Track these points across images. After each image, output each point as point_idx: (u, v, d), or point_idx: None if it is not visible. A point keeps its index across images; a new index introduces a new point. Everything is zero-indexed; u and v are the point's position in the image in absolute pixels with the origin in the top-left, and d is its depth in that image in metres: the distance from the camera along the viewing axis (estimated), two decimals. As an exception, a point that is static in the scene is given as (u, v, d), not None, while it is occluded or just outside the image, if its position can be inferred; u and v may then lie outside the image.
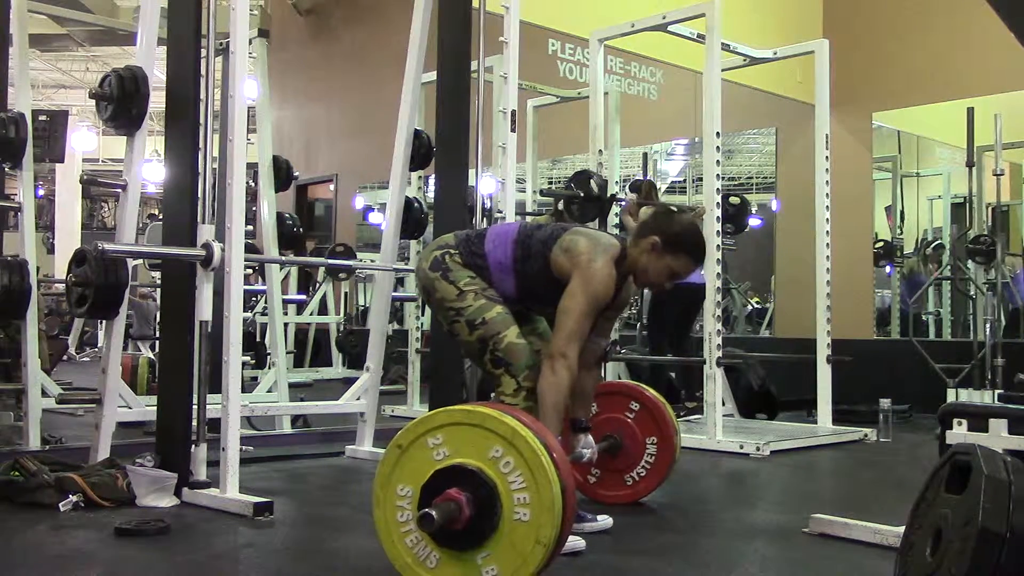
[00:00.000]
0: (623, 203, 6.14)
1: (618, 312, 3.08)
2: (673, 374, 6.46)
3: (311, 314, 9.73)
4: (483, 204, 4.42)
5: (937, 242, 8.49)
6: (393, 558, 2.20)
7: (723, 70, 5.19)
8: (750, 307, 8.92)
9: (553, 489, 2.06)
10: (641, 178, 7.05)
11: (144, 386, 5.95)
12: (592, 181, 5.43)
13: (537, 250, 2.81)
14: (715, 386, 4.91)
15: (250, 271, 7.03)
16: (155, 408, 3.62)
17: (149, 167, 7.52)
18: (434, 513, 2.05)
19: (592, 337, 2.87)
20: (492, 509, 2.08)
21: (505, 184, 4.28)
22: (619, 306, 3.00)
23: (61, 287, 7.93)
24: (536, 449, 2.08)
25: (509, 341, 2.75)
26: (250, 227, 5.86)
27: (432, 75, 4.47)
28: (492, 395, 4.12)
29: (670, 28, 5.39)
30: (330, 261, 7.76)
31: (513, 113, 4.24)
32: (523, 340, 2.78)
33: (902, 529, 1.98)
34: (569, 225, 2.92)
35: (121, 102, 3.62)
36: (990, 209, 7.44)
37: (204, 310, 3.37)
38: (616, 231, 6.17)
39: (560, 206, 5.44)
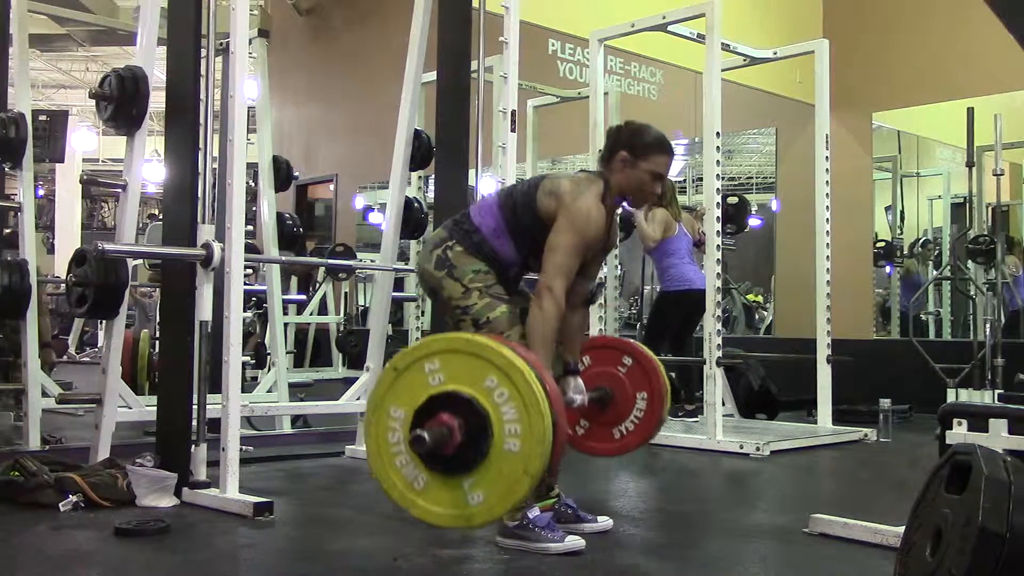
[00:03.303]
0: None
1: (605, 254, 3.05)
2: (673, 374, 6.46)
3: (311, 314, 9.72)
4: (483, 204, 4.42)
5: (925, 239, 8.49)
6: (382, 479, 2.22)
7: (723, 70, 5.18)
8: (764, 316, 8.88)
9: (545, 422, 2.07)
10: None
11: (145, 359, 5.95)
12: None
13: (523, 203, 2.82)
14: (715, 386, 4.91)
15: (250, 271, 7.03)
16: (155, 408, 3.62)
17: (149, 167, 7.51)
18: (426, 435, 2.07)
19: (578, 279, 2.86)
20: (483, 437, 2.10)
21: (505, 184, 4.28)
22: (607, 247, 2.98)
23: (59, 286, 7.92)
24: (531, 381, 2.10)
25: (514, 341, 2.74)
26: (250, 227, 5.87)
27: (432, 75, 4.47)
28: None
29: (670, 28, 5.39)
30: (330, 261, 7.76)
31: (513, 113, 4.25)
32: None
33: (902, 529, 1.98)
34: (546, 174, 2.94)
35: (121, 102, 3.62)
36: (990, 209, 7.44)
37: (204, 310, 3.37)
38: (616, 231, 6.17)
39: None
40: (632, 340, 3.59)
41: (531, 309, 2.71)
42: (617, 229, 2.99)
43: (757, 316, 8.95)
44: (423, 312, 6.48)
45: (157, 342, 4.60)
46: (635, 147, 2.84)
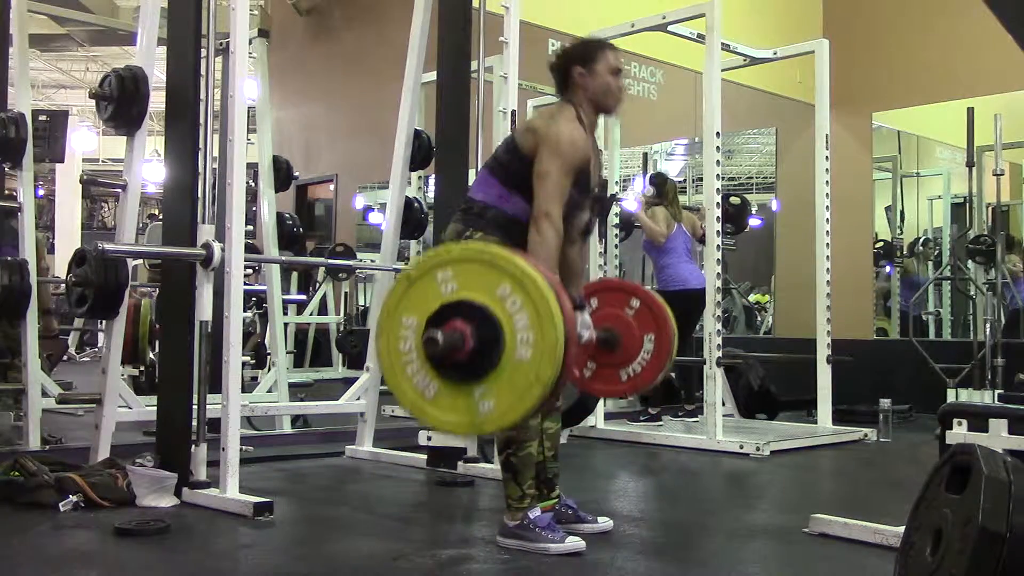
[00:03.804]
0: (622, 202, 6.15)
1: (596, 178, 2.97)
2: (673, 374, 6.46)
3: (311, 314, 9.72)
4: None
5: (925, 238, 8.49)
6: (393, 387, 2.22)
7: (723, 70, 5.19)
8: (764, 319, 8.87)
9: (557, 331, 2.06)
10: (661, 172, 7.04)
11: (147, 329, 5.93)
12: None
13: (507, 156, 2.83)
14: (715, 386, 4.91)
15: (250, 271, 7.03)
16: (155, 408, 3.62)
17: (149, 167, 7.50)
18: (439, 335, 2.06)
19: (574, 211, 2.85)
20: (494, 345, 2.09)
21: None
22: (596, 172, 2.93)
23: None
24: (544, 291, 2.09)
25: None
26: (250, 227, 5.86)
27: (432, 75, 4.47)
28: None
29: (670, 28, 5.39)
30: (330, 261, 7.76)
31: (513, 113, 4.25)
32: None
33: (902, 529, 1.98)
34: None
35: (121, 102, 3.62)
36: (990, 209, 7.44)
37: (204, 310, 3.37)
38: (616, 231, 6.18)
39: None
40: (638, 284, 3.54)
41: (530, 236, 2.68)
42: (599, 153, 2.96)
43: (759, 318, 8.94)
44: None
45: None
46: (583, 57, 2.87)
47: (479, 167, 4.37)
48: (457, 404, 2.12)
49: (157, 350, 5.04)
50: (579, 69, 2.86)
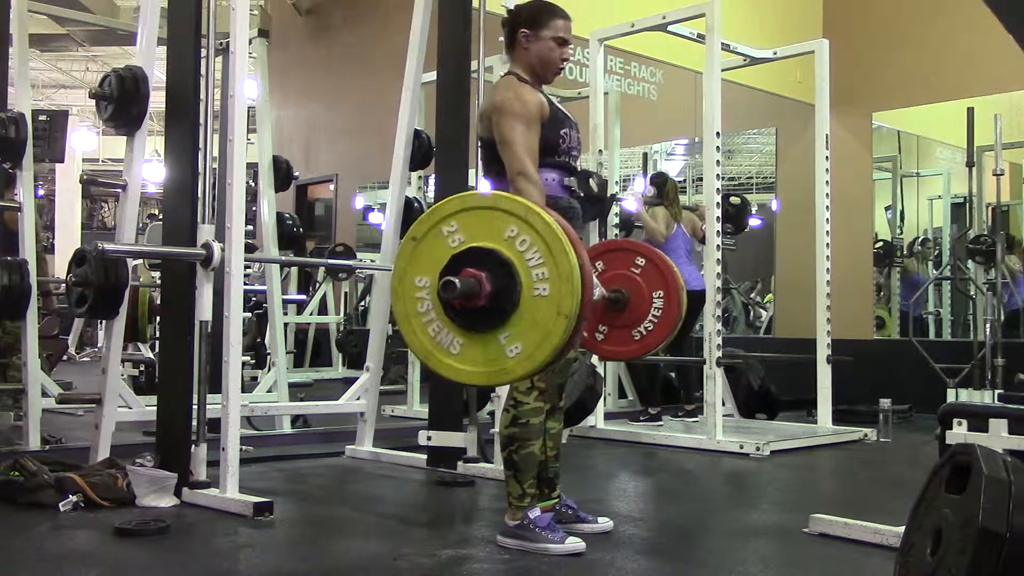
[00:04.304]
0: (622, 202, 6.14)
1: (572, 125, 2.93)
2: (673, 374, 6.46)
3: (311, 314, 9.73)
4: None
5: (925, 238, 8.49)
6: (416, 348, 2.22)
7: (723, 70, 5.19)
8: (760, 315, 8.87)
9: (570, 259, 2.06)
10: (662, 172, 7.04)
11: (146, 317, 5.92)
12: (592, 181, 5.41)
13: (483, 153, 2.84)
14: (715, 386, 4.91)
15: (250, 271, 7.03)
16: (155, 408, 3.62)
17: (149, 167, 7.51)
18: (456, 281, 2.06)
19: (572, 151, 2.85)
20: (511, 285, 2.09)
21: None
22: (571, 127, 2.90)
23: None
24: (551, 223, 2.09)
25: None
26: (250, 227, 5.87)
27: (432, 75, 4.47)
28: (493, 395, 4.14)
29: (670, 28, 5.39)
30: (330, 261, 7.76)
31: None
32: None
33: (902, 529, 1.98)
34: None
35: (121, 102, 3.62)
36: (990, 209, 7.44)
37: (204, 310, 3.37)
38: (616, 231, 6.18)
39: None
40: (642, 242, 3.51)
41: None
42: (560, 109, 2.91)
43: (752, 314, 8.94)
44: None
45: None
46: (533, 20, 2.85)
47: (479, 167, 4.38)
48: (485, 354, 2.11)
49: (157, 337, 5.04)
50: (524, 31, 2.84)
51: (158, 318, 4.75)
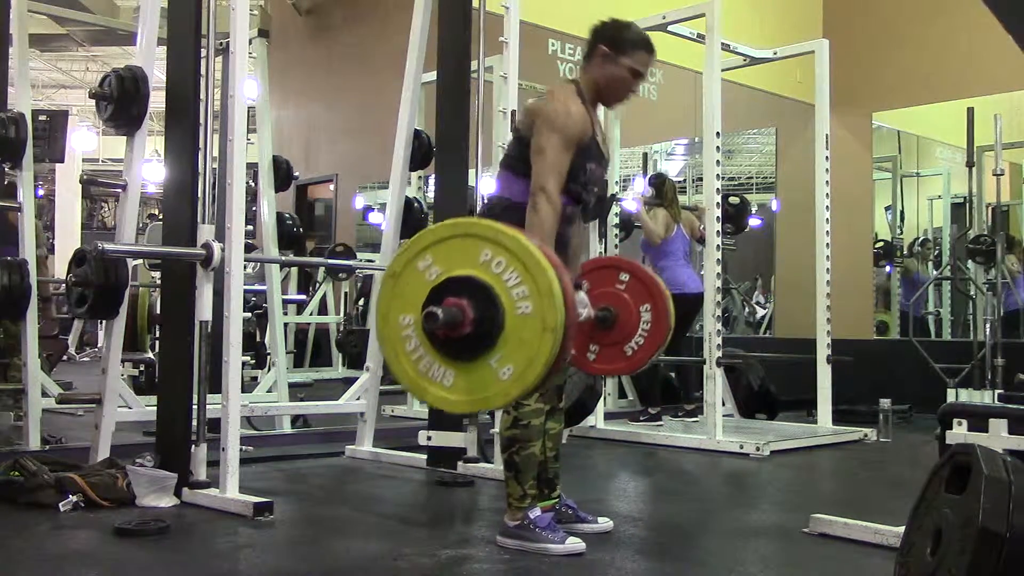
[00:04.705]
0: (621, 201, 6.14)
1: (603, 161, 2.92)
2: (673, 374, 6.46)
3: (311, 314, 9.73)
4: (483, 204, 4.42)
5: (925, 238, 8.50)
6: (410, 385, 2.21)
7: (723, 70, 5.19)
8: (760, 311, 8.89)
9: (548, 274, 2.06)
10: (661, 172, 7.05)
11: (145, 318, 5.91)
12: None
13: (515, 147, 2.80)
14: (715, 386, 4.91)
15: (250, 271, 7.03)
16: (155, 408, 3.62)
17: (149, 167, 7.50)
18: (438, 311, 2.06)
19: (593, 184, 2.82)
20: (494, 308, 2.09)
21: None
22: (602, 154, 2.88)
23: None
24: (523, 243, 2.10)
25: None
26: (250, 227, 5.86)
27: (432, 75, 4.47)
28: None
29: (670, 28, 5.39)
30: (330, 261, 7.76)
31: (513, 113, 4.24)
32: None
33: (902, 529, 1.98)
34: None
35: (121, 102, 3.62)
36: (990, 209, 7.44)
37: (204, 310, 3.37)
38: (616, 231, 6.18)
39: None
40: (625, 258, 3.54)
41: (527, 212, 2.64)
42: (607, 137, 2.91)
43: (748, 309, 8.94)
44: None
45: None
46: (617, 42, 2.81)
47: (479, 167, 4.39)
48: (477, 381, 2.11)
49: (157, 337, 5.04)
50: (605, 49, 2.80)
51: (158, 325, 4.73)
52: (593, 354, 3.35)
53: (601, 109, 2.95)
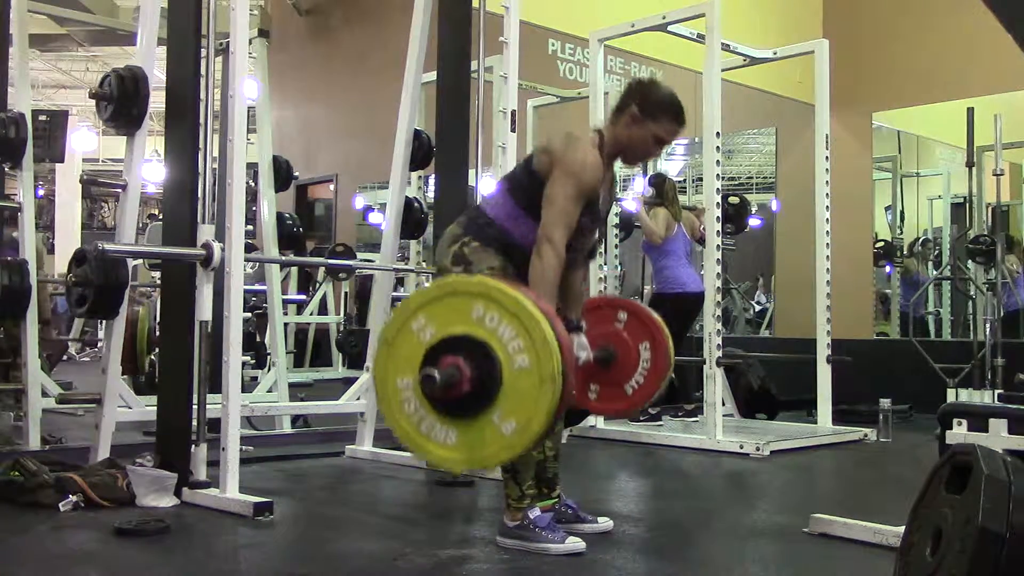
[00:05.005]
0: (621, 201, 6.14)
1: (608, 207, 2.98)
2: (673, 374, 6.45)
3: (311, 314, 9.73)
4: (483, 204, 4.42)
5: (925, 238, 8.50)
6: (414, 447, 2.19)
7: (723, 70, 5.18)
8: (753, 309, 8.91)
9: (542, 326, 2.06)
10: (661, 172, 7.04)
11: (145, 338, 5.93)
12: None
13: (524, 176, 2.78)
14: (715, 386, 4.91)
15: (250, 271, 7.03)
16: (155, 408, 3.62)
17: (149, 167, 7.51)
18: (435, 373, 2.05)
19: (580, 235, 2.80)
20: (491, 364, 2.08)
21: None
22: (608, 201, 2.93)
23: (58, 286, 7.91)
24: (515, 297, 2.10)
25: None
26: (250, 227, 5.87)
27: (432, 75, 4.47)
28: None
29: (670, 28, 5.39)
30: (330, 261, 7.76)
31: (513, 113, 4.24)
32: None
33: (902, 529, 1.98)
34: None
35: (121, 102, 3.61)
36: (990, 209, 7.44)
37: (204, 310, 3.37)
38: (616, 231, 6.18)
39: None
40: (621, 296, 3.57)
41: (532, 260, 2.64)
42: (616, 183, 2.94)
43: (744, 304, 8.95)
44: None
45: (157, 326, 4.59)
46: (648, 105, 2.79)
47: (479, 167, 4.39)
48: (481, 438, 2.10)
49: (156, 354, 5.04)
50: (635, 110, 2.78)
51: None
52: (594, 393, 3.37)
53: None
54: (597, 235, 2.97)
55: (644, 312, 3.31)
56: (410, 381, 2.15)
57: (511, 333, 2.08)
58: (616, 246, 6.23)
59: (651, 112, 2.78)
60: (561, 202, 2.65)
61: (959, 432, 2.69)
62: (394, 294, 4.94)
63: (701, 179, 5.63)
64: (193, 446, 3.36)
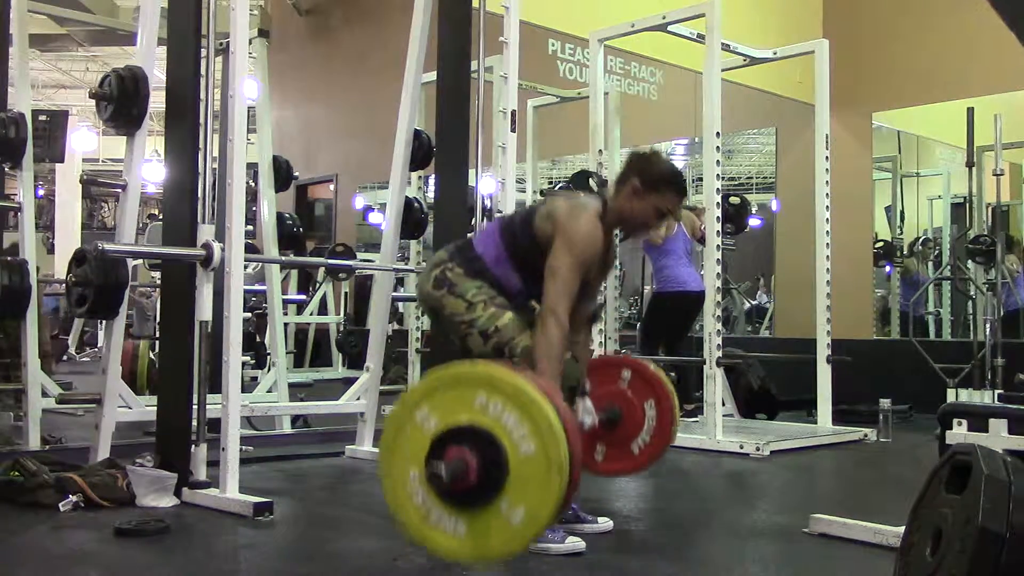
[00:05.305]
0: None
1: (605, 271, 3.03)
2: (673, 374, 6.45)
3: (311, 314, 9.73)
4: (483, 204, 4.42)
5: (924, 238, 8.50)
6: (417, 538, 2.17)
7: (723, 70, 5.18)
8: (743, 302, 8.92)
9: (546, 411, 2.04)
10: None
11: (145, 374, 5.94)
12: (592, 181, 5.43)
13: (522, 230, 2.80)
14: (715, 386, 4.91)
15: (250, 271, 7.03)
16: (155, 408, 3.62)
17: (149, 167, 7.51)
18: (441, 470, 2.04)
19: (581, 299, 2.83)
20: (497, 453, 2.06)
21: (505, 184, 4.28)
22: (606, 264, 2.96)
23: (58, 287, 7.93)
24: (517, 383, 2.08)
25: (524, 345, 2.71)
26: (250, 227, 5.87)
27: (432, 75, 4.47)
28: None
29: (670, 28, 5.39)
30: (330, 261, 7.76)
31: (513, 113, 4.24)
32: None
33: (902, 529, 1.98)
34: (544, 200, 2.92)
35: (121, 102, 3.62)
36: (990, 209, 7.44)
37: (204, 310, 3.37)
38: (616, 231, 6.18)
39: None
40: (626, 353, 3.59)
41: (535, 335, 2.66)
42: (616, 248, 2.96)
43: (741, 301, 8.94)
44: (423, 312, 6.46)
45: (157, 343, 4.60)
46: (649, 178, 2.80)
47: (479, 167, 4.39)
48: (490, 527, 2.08)
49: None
50: (636, 183, 2.80)
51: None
52: (600, 454, 3.37)
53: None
54: (598, 302, 2.99)
55: (648, 370, 3.32)
56: (416, 472, 2.13)
57: (515, 420, 2.06)
58: (614, 264, 6.22)
59: (653, 184, 2.80)
60: (564, 273, 2.67)
61: (959, 432, 2.69)
62: (394, 294, 4.95)
63: (701, 179, 5.63)
64: (193, 446, 3.36)
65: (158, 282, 4.37)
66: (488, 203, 4.52)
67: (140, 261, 6.94)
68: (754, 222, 7.40)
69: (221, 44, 4.42)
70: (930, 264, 8.39)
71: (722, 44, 5.19)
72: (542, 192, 5.92)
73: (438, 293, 2.79)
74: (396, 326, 8.49)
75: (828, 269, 5.63)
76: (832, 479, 4.63)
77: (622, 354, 6.13)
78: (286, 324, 7.93)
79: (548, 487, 2.03)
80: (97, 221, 20.64)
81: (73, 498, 3.18)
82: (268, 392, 5.44)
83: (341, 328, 9.75)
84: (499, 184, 4.35)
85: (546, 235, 2.73)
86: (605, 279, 2.98)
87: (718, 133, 4.99)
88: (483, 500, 2.08)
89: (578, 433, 2.13)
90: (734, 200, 6.34)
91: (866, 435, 5.32)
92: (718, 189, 4.99)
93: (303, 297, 9.63)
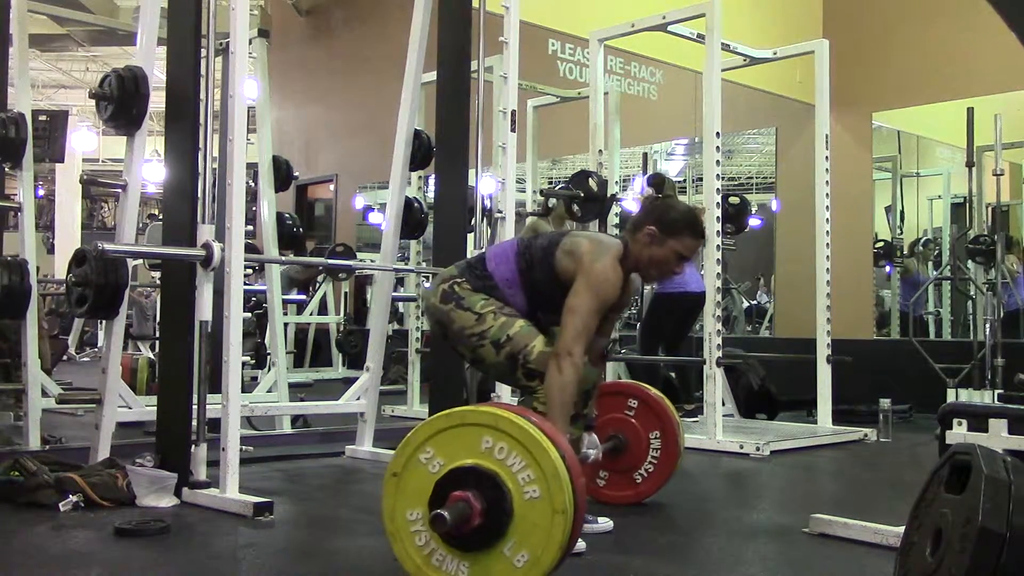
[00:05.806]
0: (622, 202, 6.14)
1: (621, 311, 3.09)
2: (673, 374, 6.46)
3: (311, 314, 9.73)
4: (483, 204, 4.42)
5: (926, 238, 8.50)
6: None
7: (723, 70, 5.19)
8: (740, 301, 8.93)
9: (552, 456, 2.05)
10: (660, 172, 7.04)
11: (144, 387, 5.95)
12: (592, 181, 5.43)
13: (540, 258, 2.80)
14: (715, 386, 4.91)
15: (250, 271, 7.03)
16: (155, 408, 3.62)
17: (149, 167, 7.51)
18: (445, 513, 2.04)
19: (595, 336, 2.85)
20: (501, 496, 2.07)
21: (505, 184, 4.28)
22: (622, 305, 3.00)
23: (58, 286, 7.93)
24: (523, 426, 2.08)
25: (539, 351, 2.71)
26: (250, 227, 5.86)
27: (432, 75, 4.47)
28: (493, 395, 4.14)
29: (670, 28, 5.40)
30: (330, 261, 7.75)
31: (513, 113, 4.25)
32: (552, 347, 2.73)
33: (902, 529, 1.98)
34: (567, 231, 2.92)
35: (121, 102, 3.62)
36: (990, 209, 7.44)
37: (204, 310, 3.37)
38: (616, 231, 6.18)
39: (550, 204, 5.44)
40: (634, 382, 3.62)
41: (549, 373, 2.66)
42: (632, 289, 2.98)
43: (739, 299, 8.95)
44: (423, 312, 6.47)
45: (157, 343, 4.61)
46: (665, 224, 2.81)
47: (479, 167, 4.39)
48: (497, 569, 2.08)
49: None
50: (653, 230, 2.80)
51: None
52: (603, 480, 3.40)
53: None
54: (610, 339, 3.01)
55: (655, 400, 3.33)
56: (420, 513, 2.13)
57: (521, 464, 2.07)
58: (629, 305, 6.23)
59: (669, 230, 2.81)
60: (584, 314, 2.68)
61: (959, 432, 2.69)
62: (394, 294, 4.95)
63: (701, 179, 5.63)
64: (193, 446, 3.36)
65: (158, 282, 4.37)
66: (488, 203, 4.52)
67: (140, 261, 6.93)
68: (754, 222, 7.40)
69: (221, 44, 4.43)
70: (930, 264, 8.39)
71: (722, 44, 5.19)
72: (542, 192, 5.89)
73: (445, 307, 2.80)
74: (396, 326, 8.50)
75: (828, 269, 5.63)
76: (832, 479, 4.63)
77: (622, 353, 6.14)
78: (286, 324, 7.93)
79: (552, 532, 2.03)
80: (97, 221, 20.66)
81: (73, 498, 3.18)
82: (268, 392, 5.44)
83: (341, 328, 9.75)
84: (499, 184, 4.36)
85: (567, 271, 2.74)
86: (620, 317, 3.01)
87: (718, 133, 4.99)
88: (487, 543, 2.08)
89: (583, 478, 2.14)
90: (734, 200, 6.34)
91: (866, 435, 5.33)
92: (718, 189, 4.99)
93: (303, 297, 9.63)
